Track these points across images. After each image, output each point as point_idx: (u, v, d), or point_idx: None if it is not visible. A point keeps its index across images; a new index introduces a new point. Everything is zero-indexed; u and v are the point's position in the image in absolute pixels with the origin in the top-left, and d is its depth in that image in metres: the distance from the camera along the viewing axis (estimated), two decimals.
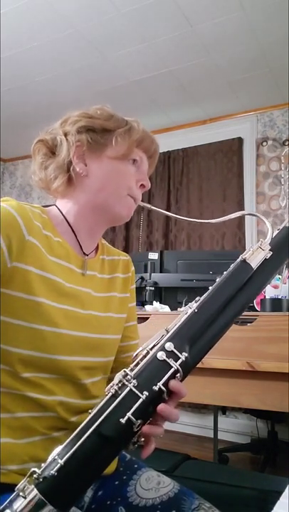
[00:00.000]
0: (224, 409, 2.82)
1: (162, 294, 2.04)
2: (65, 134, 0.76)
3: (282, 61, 2.70)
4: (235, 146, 3.38)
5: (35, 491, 0.49)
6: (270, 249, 0.65)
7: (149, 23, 2.44)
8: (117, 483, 0.79)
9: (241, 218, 3.23)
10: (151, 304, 1.79)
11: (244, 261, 0.63)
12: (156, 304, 1.76)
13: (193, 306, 0.60)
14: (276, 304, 1.33)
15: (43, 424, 0.68)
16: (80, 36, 2.57)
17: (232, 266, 0.64)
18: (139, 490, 0.77)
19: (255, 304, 1.48)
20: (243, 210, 3.24)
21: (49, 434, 0.68)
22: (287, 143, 3.20)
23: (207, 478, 1.26)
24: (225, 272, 0.63)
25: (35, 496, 0.49)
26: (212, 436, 2.46)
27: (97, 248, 0.84)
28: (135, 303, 0.91)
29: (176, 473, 1.32)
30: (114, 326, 0.80)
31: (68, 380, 0.70)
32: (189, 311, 0.60)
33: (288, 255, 0.67)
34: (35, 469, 0.50)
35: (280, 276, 1.40)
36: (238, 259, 0.64)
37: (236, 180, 3.33)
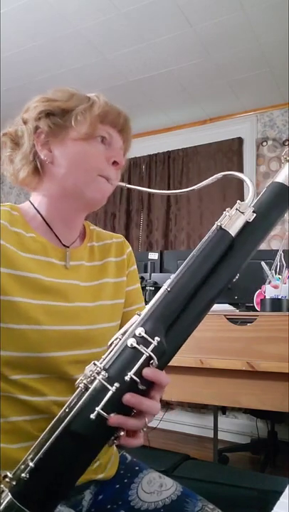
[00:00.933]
0: (224, 409, 2.81)
1: None
2: (25, 123, 0.74)
3: (282, 61, 2.70)
4: (235, 146, 3.38)
5: (10, 496, 0.46)
6: (253, 211, 0.56)
7: (149, 23, 2.44)
8: (117, 486, 0.77)
9: None
10: None
11: (220, 228, 0.55)
12: None
13: (165, 285, 0.53)
14: (276, 304, 1.32)
15: (36, 427, 0.66)
16: (80, 36, 2.57)
17: (206, 236, 0.55)
18: (141, 493, 0.75)
19: (255, 303, 1.48)
20: None
21: None
22: (287, 143, 3.20)
23: (207, 478, 1.26)
24: (199, 244, 0.55)
25: (9, 500, 0.46)
26: (212, 436, 2.46)
27: (83, 236, 0.81)
28: (138, 285, 0.87)
29: (176, 473, 1.33)
30: (107, 314, 0.77)
31: (58, 378, 0.68)
32: (161, 291, 0.53)
33: (278, 216, 0.57)
34: (8, 472, 0.47)
35: (280, 276, 1.40)
36: (213, 227, 0.55)
37: (236, 181, 3.33)
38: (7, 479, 0.47)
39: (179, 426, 3.10)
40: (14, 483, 0.47)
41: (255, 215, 0.56)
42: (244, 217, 0.56)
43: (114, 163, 0.73)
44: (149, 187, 3.66)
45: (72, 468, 0.49)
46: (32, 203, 0.76)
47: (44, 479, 0.47)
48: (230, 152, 3.39)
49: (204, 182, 0.67)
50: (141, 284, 1.96)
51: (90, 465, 0.51)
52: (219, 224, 0.55)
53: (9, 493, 0.46)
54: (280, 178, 0.58)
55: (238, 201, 0.57)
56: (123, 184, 0.76)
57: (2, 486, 0.47)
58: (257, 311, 1.44)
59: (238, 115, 3.40)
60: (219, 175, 0.66)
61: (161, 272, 2.09)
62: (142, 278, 1.97)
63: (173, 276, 0.54)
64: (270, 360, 1.14)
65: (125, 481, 0.78)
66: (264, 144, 3.30)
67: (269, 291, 1.38)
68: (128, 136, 0.78)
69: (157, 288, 1.99)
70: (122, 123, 0.75)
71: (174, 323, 0.52)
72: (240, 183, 3.31)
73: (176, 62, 2.79)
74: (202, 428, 3.03)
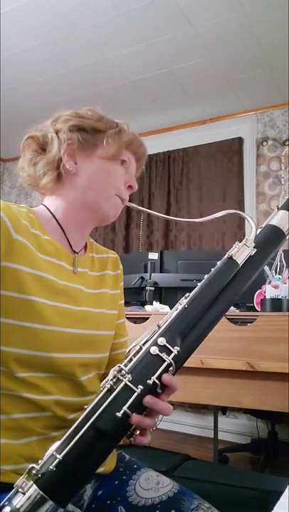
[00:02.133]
0: (224, 410, 2.81)
1: (162, 294, 2.04)
2: (57, 132, 0.77)
3: (282, 61, 2.70)
4: (236, 146, 3.38)
5: (35, 487, 0.50)
6: (254, 246, 0.68)
7: (149, 23, 2.44)
8: (116, 482, 0.79)
9: (241, 218, 3.23)
10: (151, 304, 1.79)
11: (230, 258, 0.66)
12: (156, 304, 1.75)
13: (183, 302, 0.62)
14: (276, 304, 1.32)
15: (39, 424, 0.68)
16: (80, 36, 2.57)
17: (219, 263, 0.67)
18: (138, 490, 0.77)
19: (255, 303, 1.48)
20: (244, 210, 3.24)
21: (47, 434, 0.68)
22: (287, 143, 3.20)
23: (207, 478, 1.26)
24: (212, 269, 0.66)
25: (34, 492, 0.50)
26: (212, 436, 2.46)
27: (85, 247, 0.85)
28: (123, 301, 0.92)
29: (176, 473, 1.32)
30: (107, 322, 0.81)
31: (65, 378, 0.70)
32: (180, 307, 0.62)
33: (272, 251, 0.70)
34: (34, 465, 0.51)
35: (280, 276, 1.40)
36: (225, 256, 0.67)
37: (236, 180, 3.33)
38: (33, 471, 0.51)
39: (180, 426, 3.10)
40: (40, 475, 0.51)
41: (256, 250, 0.68)
42: (248, 250, 0.67)
43: (130, 187, 0.82)
44: (149, 187, 3.66)
45: (93, 461, 0.54)
46: (47, 207, 0.79)
47: (69, 471, 0.51)
48: (231, 152, 3.39)
49: (211, 216, 0.78)
50: (141, 284, 1.97)
51: (106, 459, 0.55)
52: (230, 254, 0.66)
53: (34, 485, 0.50)
54: (274, 221, 0.71)
55: (246, 237, 0.68)
56: (134, 205, 0.85)
57: (24, 479, 0.51)
58: (257, 311, 1.44)
59: (238, 115, 3.40)
60: (223, 212, 0.77)
61: (161, 272, 2.09)
62: (142, 278, 1.97)
63: (189, 294, 0.64)
64: (270, 360, 1.14)
65: (124, 477, 0.80)
66: (264, 143, 3.30)
67: (269, 291, 1.38)
68: (141, 166, 0.88)
69: (157, 288, 1.99)
70: (141, 153, 0.85)
71: (188, 334, 0.61)
72: (240, 183, 3.32)
73: (176, 62, 2.79)
74: (202, 428, 3.03)
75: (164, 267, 2.11)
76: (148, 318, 1.38)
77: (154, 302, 1.81)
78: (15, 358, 0.66)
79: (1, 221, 0.65)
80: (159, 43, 2.60)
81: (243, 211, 3.19)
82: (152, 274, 2.01)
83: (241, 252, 0.67)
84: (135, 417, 0.54)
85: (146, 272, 2.01)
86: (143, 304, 1.84)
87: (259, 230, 0.72)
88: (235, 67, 2.82)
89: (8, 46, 2.67)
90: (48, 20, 2.44)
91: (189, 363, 1.17)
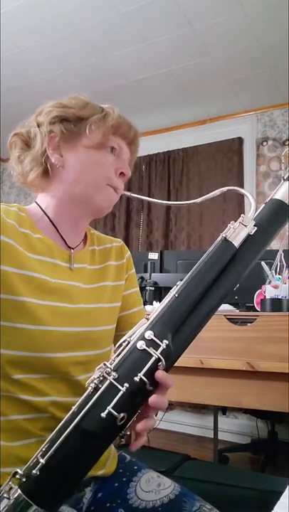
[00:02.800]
0: (224, 410, 2.81)
1: (162, 294, 2.04)
2: (39, 126, 0.74)
3: (282, 61, 2.70)
4: (235, 146, 3.38)
5: (19, 491, 0.48)
6: (254, 225, 0.60)
7: (149, 23, 2.44)
8: (116, 484, 0.78)
9: None
10: (151, 304, 1.79)
11: (225, 239, 0.58)
12: (156, 304, 1.75)
13: (173, 291, 0.57)
14: (276, 304, 1.32)
15: (37, 426, 0.67)
16: (80, 36, 2.57)
17: (212, 246, 0.59)
18: (139, 492, 0.76)
19: (255, 303, 1.48)
20: (243, 211, 3.24)
21: (46, 436, 0.67)
22: (287, 143, 3.20)
23: (207, 478, 1.26)
24: (205, 253, 0.59)
25: (18, 496, 0.48)
26: (212, 436, 2.46)
27: (85, 239, 0.82)
28: (137, 289, 0.89)
29: (176, 473, 1.33)
30: (105, 317, 0.78)
31: (61, 378, 0.69)
32: (169, 297, 0.56)
33: (276, 230, 0.62)
34: (18, 469, 0.49)
35: (280, 276, 1.40)
36: (218, 238, 0.59)
37: (236, 180, 3.33)
38: (17, 476, 0.49)
39: (179, 426, 3.10)
40: (24, 479, 0.48)
41: (256, 228, 0.60)
42: (246, 229, 0.59)
43: (122, 174, 0.76)
44: (149, 187, 3.66)
45: (80, 465, 0.51)
46: (39, 205, 0.77)
47: (54, 475, 0.49)
48: (231, 152, 3.39)
49: (208, 195, 0.70)
50: (141, 284, 1.97)
51: (96, 462, 0.52)
52: (224, 235, 0.59)
53: (18, 489, 0.48)
54: (279, 195, 0.63)
55: (242, 215, 0.60)
56: (128, 193, 0.79)
57: (10, 483, 0.49)
58: (257, 311, 1.44)
59: (238, 115, 3.40)
60: (224, 189, 0.71)
61: (161, 272, 2.09)
62: (142, 278, 1.97)
63: (180, 282, 0.57)
64: (270, 360, 1.14)
65: (124, 479, 0.79)
66: (264, 143, 3.30)
67: (269, 291, 1.38)
68: (136, 149, 0.82)
69: (157, 288, 1.99)
70: (132, 136, 0.79)
71: (180, 327, 0.55)
72: (241, 183, 3.32)
73: (176, 62, 2.79)
74: (202, 428, 3.03)
75: (163, 266, 2.11)
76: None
77: (154, 302, 1.81)
78: (9, 360, 0.65)
79: None
80: (159, 42, 2.60)
81: (243, 212, 3.19)
82: (152, 274, 2.01)
83: (238, 232, 0.59)
84: (140, 425, 0.53)
85: (146, 271, 2.01)
86: (143, 304, 1.83)
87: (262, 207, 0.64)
88: (235, 67, 2.82)
89: (8, 46, 2.67)
90: (48, 20, 2.44)
91: (189, 363, 1.16)
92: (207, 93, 3.15)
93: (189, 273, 0.58)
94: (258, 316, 1.22)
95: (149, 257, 2.08)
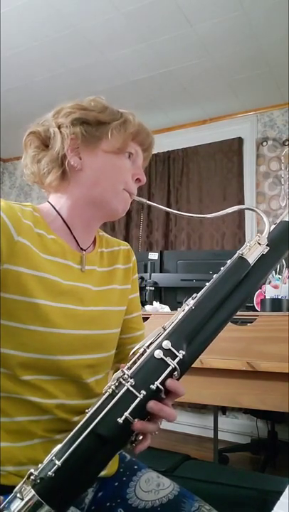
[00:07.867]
0: (224, 410, 2.81)
1: (162, 294, 2.04)
2: (59, 126, 0.73)
3: (282, 61, 2.70)
4: (235, 146, 3.37)
5: (33, 492, 0.49)
6: (267, 245, 0.64)
7: (149, 23, 2.44)
8: (116, 484, 0.78)
9: (241, 218, 3.23)
10: (151, 304, 1.79)
11: (241, 257, 0.62)
12: (156, 304, 1.75)
13: (190, 303, 0.59)
14: (276, 304, 1.33)
15: (42, 427, 0.67)
16: (80, 36, 2.57)
17: (229, 262, 0.62)
18: (138, 492, 0.76)
19: (255, 303, 1.48)
20: (243, 212, 3.24)
21: (50, 437, 0.67)
22: (287, 143, 3.20)
23: (207, 478, 1.26)
24: (222, 268, 0.62)
25: (32, 497, 0.49)
26: (212, 436, 2.45)
27: (94, 241, 0.82)
28: (138, 293, 0.89)
29: (176, 473, 1.32)
30: (114, 320, 0.78)
31: (70, 381, 0.69)
32: (186, 308, 0.58)
33: (286, 250, 0.66)
34: (32, 471, 0.50)
35: (280, 276, 1.40)
36: (235, 255, 0.62)
37: (236, 180, 3.33)
38: (32, 477, 0.49)
39: (179, 426, 3.10)
40: (38, 481, 0.49)
41: (268, 248, 0.64)
42: (261, 248, 0.63)
43: (138, 180, 0.78)
44: (149, 187, 3.66)
45: (93, 467, 0.52)
46: (53, 206, 0.76)
47: (68, 477, 0.50)
48: (231, 152, 3.39)
49: (222, 212, 0.75)
50: (141, 284, 1.97)
51: (107, 464, 0.54)
52: (241, 253, 0.62)
53: (32, 490, 0.49)
54: None
55: (258, 234, 0.65)
56: (144, 200, 0.80)
57: (24, 484, 0.50)
58: (257, 311, 1.44)
59: (238, 115, 3.40)
60: (237, 207, 0.75)
61: (161, 272, 2.09)
62: (142, 278, 1.97)
63: (197, 294, 0.60)
64: (270, 360, 1.14)
65: (124, 479, 0.79)
66: (264, 143, 3.30)
67: (269, 291, 1.38)
68: (149, 156, 0.83)
69: (157, 288, 1.99)
70: (148, 143, 0.80)
71: (194, 337, 0.57)
72: (240, 183, 3.31)
73: (176, 62, 2.79)
74: (202, 428, 3.03)
75: (163, 266, 2.11)
76: (148, 318, 1.38)
77: (154, 302, 1.81)
78: (19, 362, 0.65)
79: (1, 223, 0.63)
80: (158, 43, 2.60)
81: (243, 213, 3.19)
82: (152, 274, 2.01)
83: (253, 250, 0.63)
84: (138, 424, 0.52)
85: (146, 272, 2.01)
86: (143, 304, 1.83)
87: (272, 227, 0.68)
88: (235, 67, 2.82)
89: (8, 46, 2.67)
90: (48, 20, 2.44)
91: None
92: (207, 93, 3.15)
93: (206, 286, 0.61)
94: (257, 316, 1.22)
95: (149, 257, 2.08)
